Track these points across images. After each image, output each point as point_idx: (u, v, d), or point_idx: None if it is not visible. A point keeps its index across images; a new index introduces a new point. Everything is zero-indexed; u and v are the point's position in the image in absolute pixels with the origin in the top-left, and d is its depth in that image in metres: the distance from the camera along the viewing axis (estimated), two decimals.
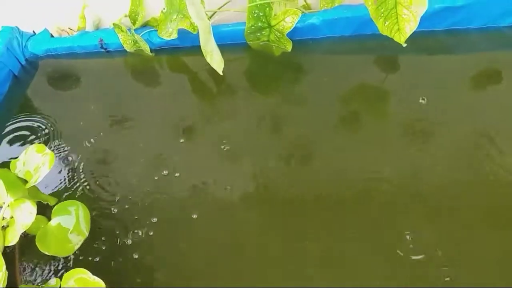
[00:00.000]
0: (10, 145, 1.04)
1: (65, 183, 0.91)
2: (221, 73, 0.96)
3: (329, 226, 0.76)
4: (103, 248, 0.79)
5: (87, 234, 0.77)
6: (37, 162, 0.79)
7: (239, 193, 0.83)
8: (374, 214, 0.76)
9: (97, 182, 0.90)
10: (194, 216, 0.80)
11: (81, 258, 0.78)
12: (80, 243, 0.76)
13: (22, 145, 1.03)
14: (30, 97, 1.18)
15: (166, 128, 0.98)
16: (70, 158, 0.96)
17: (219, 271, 0.74)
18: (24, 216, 0.73)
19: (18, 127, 1.09)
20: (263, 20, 1.05)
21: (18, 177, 0.80)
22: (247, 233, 0.77)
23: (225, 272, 0.73)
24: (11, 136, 1.06)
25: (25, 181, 0.80)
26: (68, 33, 1.29)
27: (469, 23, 1.02)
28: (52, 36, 1.30)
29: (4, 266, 0.66)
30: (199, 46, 0.97)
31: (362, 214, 0.76)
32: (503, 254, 0.68)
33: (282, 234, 0.76)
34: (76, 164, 0.95)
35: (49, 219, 0.77)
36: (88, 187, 0.90)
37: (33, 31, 1.31)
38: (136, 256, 0.77)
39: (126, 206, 0.85)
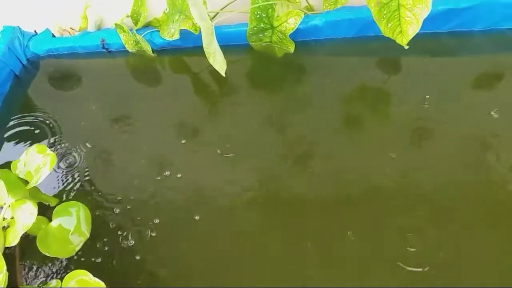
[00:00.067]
0: (11, 145, 1.04)
1: (66, 184, 0.91)
2: (223, 75, 0.96)
3: (331, 227, 0.76)
4: (105, 249, 0.79)
5: (88, 235, 0.77)
6: (38, 163, 0.79)
7: (241, 194, 0.82)
8: (376, 215, 0.76)
9: (99, 182, 0.90)
10: (197, 217, 0.80)
11: (82, 259, 0.78)
12: (81, 244, 0.75)
13: (23, 145, 1.03)
14: (31, 97, 1.17)
15: (167, 129, 0.97)
16: (71, 158, 0.96)
17: (221, 273, 0.73)
18: (25, 217, 0.73)
19: (19, 127, 1.08)
20: (266, 21, 1.05)
21: (19, 178, 0.80)
22: (250, 235, 0.77)
23: (228, 274, 0.73)
24: (12, 136, 1.06)
25: (26, 182, 0.80)
26: (69, 33, 1.29)
27: (472, 26, 1.01)
28: (53, 36, 1.30)
29: (5, 267, 0.65)
30: (201, 46, 0.97)
31: (363, 215, 0.76)
32: (504, 255, 0.68)
33: (284, 235, 0.76)
34: (77, 164, 0.94)
35: (50, 220, 0.77)
36: (89, 187, 0.89)
37: (35, 31, 1.31)
38: (138, 258, 0.77)
39: (128, 207, 0.84)
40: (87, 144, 0.98)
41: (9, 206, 0.75)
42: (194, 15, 0.92)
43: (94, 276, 0.65)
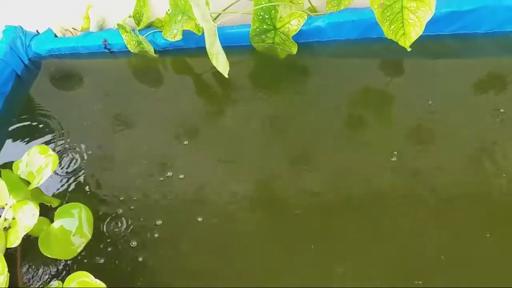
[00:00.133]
0: (12, 145, 1.04)
1: (68, 184, 0.91)
2: (226, 76, 0.96)
3: (334, 229, 0.75)
4: (108, 249, 0.78)
5: (90, 236, 0.77)
6: (40, 164, 0.79)
7: (244, 195, 0.82)
8: (379, 217, 0.75)
9: (101, 183, 0.90)
10: (199, 219, 0.80)
11: (85, 261, 0.77)
12: (82, 246, 0.75)
13: (24, 145, 1.03)
14: (33, 97, 1.17)
15: (170, 130, 0.97)
16: (73, 159, 0.95)
17: (224, 275, 0.73)
18: (27, 217, 0.73)
19: (21, 127, 1.08)
20: (269, 23, 1.04)
21: (21, 178, 0.80)
22: (253, 237, 0.77)
23: (230, 275, 0.73)
24: (14, 135, 1.06)
25: (28, 183, 0.79)
26: (71, 33, 1.29)
27: (475, 28, 1.01)
28: (55, 36, 1.29)
29: (6, 268, 0.65)
30: (204, 47, 0.96)
31: (366, 217, 0.76)
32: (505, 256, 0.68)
33: (287, 237, 0.76)
34: (79, 164, 0.94)
35: (52, 220, 0.77)
36: (92, 187, 0.89)
37: (37, 31, 1.31)
38: (140, 259, 0.76)
39: (131, 208, 0.84)
40: (89, 144, 0.98)
41: (11, 207, 0.75)
42: (197, 16, 0.92)
43: (96, 277, 0.65)
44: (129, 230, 0.81)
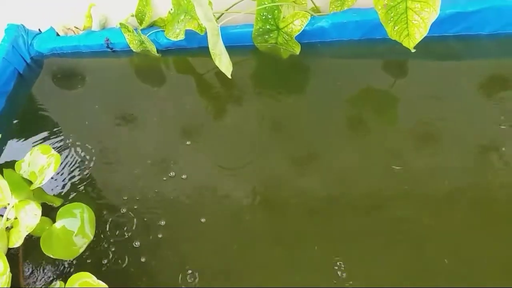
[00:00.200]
0: (15, 144, 1.04)
1: (70, 183, 0.90)
2: (229, 76, 0.95)
3: (336, 230, 0.75)
4: (112, 250, 0.78)
5: (92, 237, 0.76)
6: (42, 164, 0.79)
7: (247, 196, 0.82)
8: (381, 218, 0.75)
9: (104, 182, 0.89)
10: (203, 220, 0.79)
11: (88, 261, 0.77)
12: (85, 246, 0.75)
13: (26, 144, 1.02)
14: (35, 96, 1.17)
15: (172, 130, 0.97)
16: (75, 158, 0.95)
17: (227, 277, 0.73)
18: (29, 217, 0.72)
19: (23, 126, 1.08)
20: (272, 23, 1.04)
21: (23, 178, 0.80)
22: (256, 238, 0.77)
23: (234, 277, 0.72)
24: (16, 134, 1.05)
25: (30, 182, 0.79)
26: (74, 32, 1.29)
27: (480, 29, 1.01)
28: (58, 34, 1.29)
29: (8, 268, 0.65)
30: (207, 47, 0.96)
31: (368, 218, 0.76)
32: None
33: (291, 238, 0.75)
34: (81, 164, 0.94)
35: (54, 220, 0.77)
36: (94, 187, 0.89)
37: (39, 30, 1.31)
38: (143, 260, 0.76)
39: (134, 208, 0.84)
40: (91, 144, 0.98)
41: (13, 206, 0.75)
42: (200, 15, 0.92)
43: (99, 277, 0.65)
44: (132, 230, 0.80)
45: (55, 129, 1.03)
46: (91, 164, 0.94)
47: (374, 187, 0.80)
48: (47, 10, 1.25)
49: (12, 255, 0.77)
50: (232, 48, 0.99)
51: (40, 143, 1.01)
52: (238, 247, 0.76)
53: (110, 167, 0.93)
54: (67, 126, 1.04)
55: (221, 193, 0.83)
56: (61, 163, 0.94)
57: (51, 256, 0.72)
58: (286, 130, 0.93)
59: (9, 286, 0.64)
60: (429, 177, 0.79)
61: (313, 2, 1.09)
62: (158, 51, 1.16)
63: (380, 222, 0.75)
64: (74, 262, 0.77)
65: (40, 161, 0.79)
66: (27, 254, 0.79)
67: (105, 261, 0.77)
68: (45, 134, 1.03)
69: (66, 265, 0.77)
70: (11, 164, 0.83)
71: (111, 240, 0.79)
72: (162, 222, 0.80)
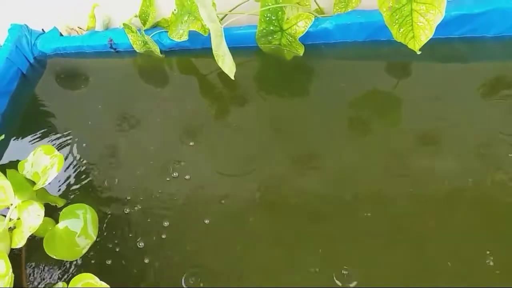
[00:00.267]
0: (18, 143, 1.04)
1: (73, 184, 0.90)
2: (232, 78, 0.95)
3: (340, 232, 0.75)
4: (116, 250, 0.78)
5: (94, 238, 0.76)
6: (46, 164, 0.79)
7: (251, 197, 0.82)
8: (384, 220, 0.75)
9: (107, 183, 0.89)
10: (207, 221, 0.79)
11: (93, 261, 0.77)
12: (87, 247, 0.75)
13: (29, 144, 1.02)
14: (38, 96, 1.17)
15: (175, 131, 0.97)
16: (78, 158, 0.95)
17: (231, 278, 0.72)
18: (32, 218, 0.72)
19: (26, 125, 1.08)
20: (275, 24, 1.04)
21: (26, 179, 0.80)
22: (259, 239, 0.76)
23: (238, 279, 0.72)
24: (19, 134, 1.05)
25: (33, 183, 0.79)
26: (77, 32, 1.29)
27: (485, 32, 1.00)
28: (61, 35, 1.29)
29: (11, 269, 0.65)
30: (210, 48, 0.96)
31: (371, 220, 0.75)
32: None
33: (295, 240, 0.75)
34: (85, 164, 0.94)
35: (57, 221, 0.77)
36: (98, 187, 0.89)
37: (42, 30, 1.31)
38: (147, 261, 0.76)
39: (137, 208, 0.83)
40: (94, 144, 0.98)
41: (16, 207, 0.75)
42: (203, 16, 0.92)
43: (103, 278, 0.65)
44: (136, 230, 0.80)
45: (58, 129, 1.03)
46: (94, 164, 0.94)
47: (377, 188, 0.79)
48: (50, 10, 1.25)
49: (15, 256, 0.77)
50: (235, 49, 0.99)
51: (43, 143, 1.01)
52: (241, 248, 0.75)
53: (113, 167, 0.92)
54: (70, 126, 1.04)
55: (225, 194, 0.83)
56: (64, 164, 0.93)
57: (54, 257, 0.72)
58: (289, 131, 0.93)
59: (12, 287, 0.64)
60: (432, 179, 0.79)
61: (317, 3, 1.09)
62: (161, 51, 1.16)
63: (383, 223, 0.75)
64: (77, 262, 0.77)
65: (43, 161, 0.79)
66: (30, 255, 0.79)
67: (109, 261, 0.76)
68: (48, 134, 1.03)
69: (69, 266, 0.77)
70: (14, 164, 0.83)
71: (115, 241, 0.79)
72: (165, 223, 0.80)
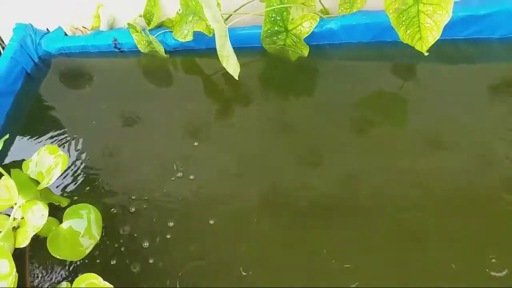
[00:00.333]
0: (22, 143, 1.04)
1: (77, 184, 0.90)
2: (237, 78, 0.95)
3: (344, 232, 0.74)
4: (121, 250, 0.78)
5: (98, 238, 0.76)
6: (50, 164, 0.78)
7: (255, 197, 0.81)
8: (388, 221, 0.74)
9: (112, 182, 0.89)
10: (211, 221, 0.79)
11: (98, 261, 0.77)
12: (91, 247, 0.75)
13: (33, 143, 1.02)
14: (43, 95, 1.17)
15: (179, 131, 0.97)
16: (82, 158, 0.95)
17: (235, 279, 0.72)
18: (36, 218, 0.72)
19: (30, 125, 1.08)
20: (280, 24, 1.03)
21: (30, 178, 0.79)
22: (266, 240, 0.76)
23: (242, 280, 0.72)
24: (23, 134, 1.05)
25: (37, 182, 0.79)
26: (82, 31, 1.29)
27: (491, 33, 0.99)
28: (65, 34, 1.29)
29: (15, 269, 0.65)
30: (214, 48, 0.96)
31: (375, 221, 0.75)
32: None
33: (301, 243, 0.74)
34: (89, 163, 0.94)
35: (61, 220, 0.76)
36: (102, 187, 0.88)
37: (47, 29, 1.31)
38: (151, 261, 0.76)
39: (142, 207, 0.83)
40: (98, 144, 0.98)
41: (20, 206, 0.75)
42: (208, 16, 0.91)
43: (107, 278, 0.64)
44: (140, 230, 0.80)
45: (62, 129, 1.03)
46: (98, 164, 0.93)
47: (382, 188, 0.79)
48: (55, 10, 1.26)
49: (18, 255, 0.77)
50: (240, 50, 0.98)
51: (47, 142, 1.01)
52: (246, 248, 0.75)
53: (117, 167, 0.92)
54: (75, 126, 1.04)
55: (229, 194, 0.83)
56: (68, 163, 0.93)
57: (58, 257, 0.71)
58: (294, 132, 0.93)
59: (15, 286, 0.64)
60: (438, 179, 0.78)
61: (322, 4, 1.09)
62: (165, 51, 1.15)
63: (387, 223, 0.74)
64: (82, 262, 0.76)
65: (48, 161, 0.79)
66: (34, 255, 0.79)
67: (113, 261, 0.76)
68: (52, 133, 1.03)
69: (73, 266, 0.77)
70: (18, 164, 0.83)
71: (120, 241, 0.79)
72: (170, 223, 0.80)
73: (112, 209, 0.84)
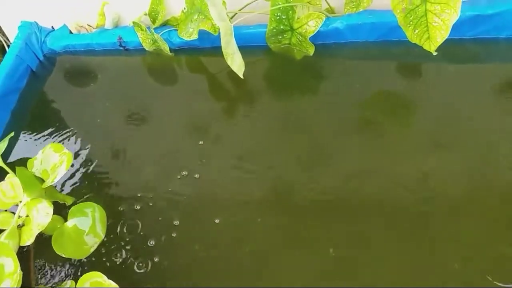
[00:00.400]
0: (27, 141, 1.04)
1: (83, 182, 0.90)
2: (241, 77, 0.94)
3: (349, 232, 0.74)
4: (126, 248, 0.77)
5: (103, 236, 0.76)
6: (55, 162, 0.79)
7: (260, 197, 0.81)
8: (392, 222, 0.74)
9: (117, 181, 0.89)
10: (217, 220, 0.78)
11: (103, 259, 0.76)
12: (96, 246, 0.75)
13: (38, 141, 1.02)
14: (47, 93, 1.17)
15: (184, 130, 0.96)
16: (87, 156, 0.95)
17: (240, 279, 0.72)
18: (41, 216, 0.72)
19: (35, 123, 1.08)
20: (286, 23, 1.03)
21: (35, 176, 0.80)
22: (271, 240, 0.75)
23: (246, 280, 0.71)
24: (28, 132, 1.06)
25: (42, 180, 0.79)
26: (87, 30, 1.29)
27: (498, 33, 0.98)
28: (71, 32, 1.30)
29: (19, 267, 0.65)
30: (219, 47, 0.95)
31: (381, 221, 0.74)
32: None
33: (308, 242, 0.74)
34: (94, 162, 0.93)
35: (66, 219, 0.77)
36: (107, 185, 0.88)
37: (52, 27, 1.31)
38: (156, 260, 0.75)
39: (146, 206, 0.83)
40: (103, 142, 0.98)
41: (25, 204, 0.75)
42: (213, 15, 0.91)
43: (113, 276, 0.65)
44: (146, 229, 0.79)
45: (67, 127, 1.03)
46: (103, 162, 0.93)
47: (388, 188, 0.78)
48: (60, 8, 1.26)
49: (23, 254, 0.77)
50: (245, 48, 0.98)
51: (52, 140, 1.01)
52: (251, 248, 0.74)
53: (122, 165, 0.92)
54: (79, 124, 1.04)
55: (234, 193, 0.83)
56: (73, 161, 0.93)
57: (62, 255, 0.72)
58: (299, 131, 0.92)
59: (20, 285, 0.64)
60: (444, 180, 0.77)
61: (327, 3, 1.08)
62: (170, 50, 1.15)
63: (392, 223, 0.73)
64: (87, 260, 0.76)
65: (53, 159, 0.79)
66: (38, 253, 0.79)
67: (119, 260, 0.76)
68: (57, 131, 1.03)
69: (78, 264, 0.76)
70: (23, 162, 0.83)
71: (126, 239, 0.78)
72: (176, 222, 0.79)
73: (117, 208, 0.83)
